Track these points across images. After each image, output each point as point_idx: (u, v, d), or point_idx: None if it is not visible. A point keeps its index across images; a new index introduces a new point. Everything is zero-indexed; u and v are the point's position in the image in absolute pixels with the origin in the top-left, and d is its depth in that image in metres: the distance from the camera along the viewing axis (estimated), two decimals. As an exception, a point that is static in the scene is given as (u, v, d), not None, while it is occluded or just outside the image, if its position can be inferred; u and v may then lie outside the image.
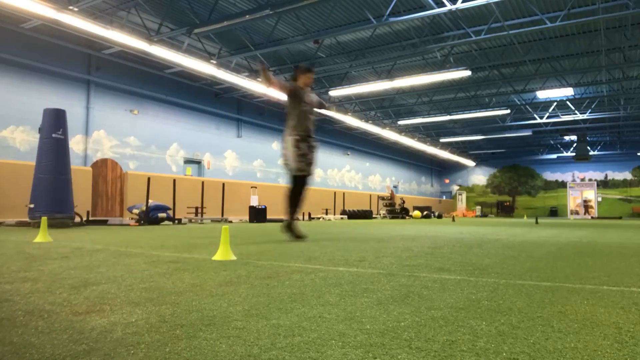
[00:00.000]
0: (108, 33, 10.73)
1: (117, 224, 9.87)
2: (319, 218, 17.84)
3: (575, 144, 28.21)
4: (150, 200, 10.22)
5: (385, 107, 21.19)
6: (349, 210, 19.25)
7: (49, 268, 2.62)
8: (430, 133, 27.95)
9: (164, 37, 12.00)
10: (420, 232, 7.46)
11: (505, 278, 2.40)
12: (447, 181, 39.11)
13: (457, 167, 38.00)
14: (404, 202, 23.89)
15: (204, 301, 1.74)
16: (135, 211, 10.45)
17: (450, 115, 21.49)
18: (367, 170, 28.56)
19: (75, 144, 13.24)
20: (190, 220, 11.88)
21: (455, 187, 38.41)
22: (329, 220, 16.64)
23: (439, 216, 24.80)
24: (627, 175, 32.13)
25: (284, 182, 20.79)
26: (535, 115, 22.01)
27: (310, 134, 4.99)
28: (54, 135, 7.96)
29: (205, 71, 13.78)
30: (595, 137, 29.47)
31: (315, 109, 5.19)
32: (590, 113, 21.06)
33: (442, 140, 28.69)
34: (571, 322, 1.46)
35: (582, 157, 27.04)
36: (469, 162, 36.06)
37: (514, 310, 1.62)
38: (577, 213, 32.35)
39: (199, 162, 17.43)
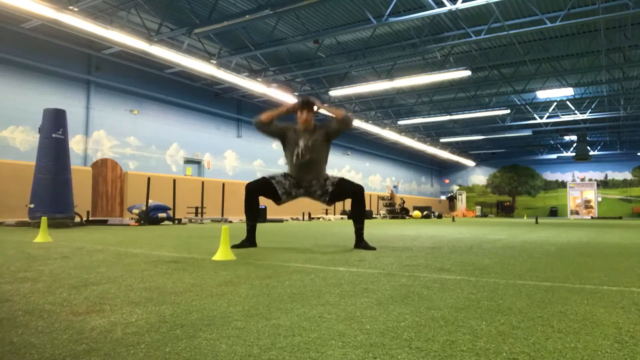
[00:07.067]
0: (108, 33, 10.72)
1: (117, 224, 9.86)
2: (319, 218, 17.84)
3: (575, 144, 28.17)
4: (150, 200, 10.21)
5: (385, 107, 21.17)
6: (349, 211, 19.24)
7: (49, 268, 2.62)
8: (430, 133, 27.93)
9: (164, 37, 11.99)
10: (420, 232, 7.46)
11: (505, 278, 2.40)
12: (447, 181, 39.09)
13: (457, 167, 37.98)
14: (404, 202, 23.88)
15: (204, 301, 1.74)
16: (135, 211, 10.44)
17: (450, 115, 21.47)
18: (367, 170, 28.54)
19: (75, 144, 13.23)
20: (190, 220, 11.87)
21: (455, 187, 38.39)
22: (329, 220, 16.64)
23: (439, 216, 24.79)
24: (627, 175, 32.11)
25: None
26: (535, 115, 21.99)
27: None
28: (54, 135, 7.95)
29: (205, 71, 13.77)
30: (595, 137, 29.44)
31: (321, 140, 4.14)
32: (590, 113, 21.04)
33: (442, 140, 28.67)
34: (571, 322, 1.46)
35: (582, 157, 27.02)
36: (469, 162, 36.04)
37: (514, 310, 1.62)
38: (577, 213, 32.34)
39: (199, 162, 17.43)
